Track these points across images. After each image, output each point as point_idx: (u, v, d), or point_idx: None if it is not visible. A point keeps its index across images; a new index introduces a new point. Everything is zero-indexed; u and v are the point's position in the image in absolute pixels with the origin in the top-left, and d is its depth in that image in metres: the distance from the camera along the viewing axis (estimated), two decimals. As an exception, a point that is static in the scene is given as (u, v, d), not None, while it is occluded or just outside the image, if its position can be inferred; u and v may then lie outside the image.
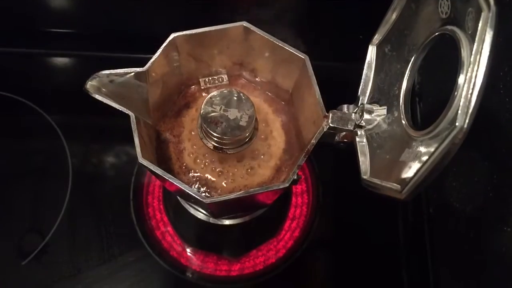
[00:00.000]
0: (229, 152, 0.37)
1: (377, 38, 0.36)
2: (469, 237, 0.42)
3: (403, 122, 0.32)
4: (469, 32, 0.25)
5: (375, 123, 0.34)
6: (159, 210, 0.50)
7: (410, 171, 0.27)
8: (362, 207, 0.51)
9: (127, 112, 0.34)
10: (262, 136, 0.39)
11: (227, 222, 0.47)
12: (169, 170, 0.37)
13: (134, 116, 0.33)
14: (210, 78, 0.41)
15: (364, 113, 0.34)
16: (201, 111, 0.35)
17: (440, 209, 0.48)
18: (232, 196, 0.32)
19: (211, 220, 0.47)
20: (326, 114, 0.35)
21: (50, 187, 0.51)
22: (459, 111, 0.23)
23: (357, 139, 0.35)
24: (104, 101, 0.33)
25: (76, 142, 0.53)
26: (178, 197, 0.48)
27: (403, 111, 0.32)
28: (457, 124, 0.23)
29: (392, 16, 0.34)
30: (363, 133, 0.35)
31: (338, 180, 0.54)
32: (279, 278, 0.48)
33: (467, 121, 0.23)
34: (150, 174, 0.51)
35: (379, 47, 0.36)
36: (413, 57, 0.32)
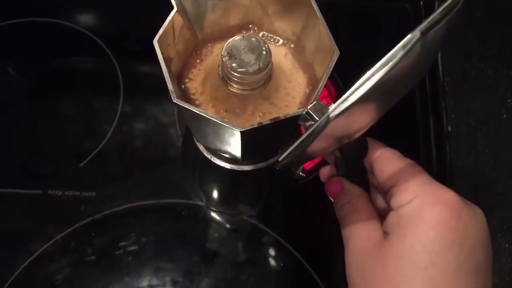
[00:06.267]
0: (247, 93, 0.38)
1: None
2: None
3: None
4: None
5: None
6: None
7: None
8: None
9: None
10: (282, 80, 0.41)
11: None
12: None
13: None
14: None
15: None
16: (223, 50, 0.37)
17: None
18: (264, 122, 0.34)
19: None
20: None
21: (104, 100, 0.57)
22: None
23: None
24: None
25: (126, 63, 0.58)
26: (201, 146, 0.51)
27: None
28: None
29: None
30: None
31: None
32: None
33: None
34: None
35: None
36: None
